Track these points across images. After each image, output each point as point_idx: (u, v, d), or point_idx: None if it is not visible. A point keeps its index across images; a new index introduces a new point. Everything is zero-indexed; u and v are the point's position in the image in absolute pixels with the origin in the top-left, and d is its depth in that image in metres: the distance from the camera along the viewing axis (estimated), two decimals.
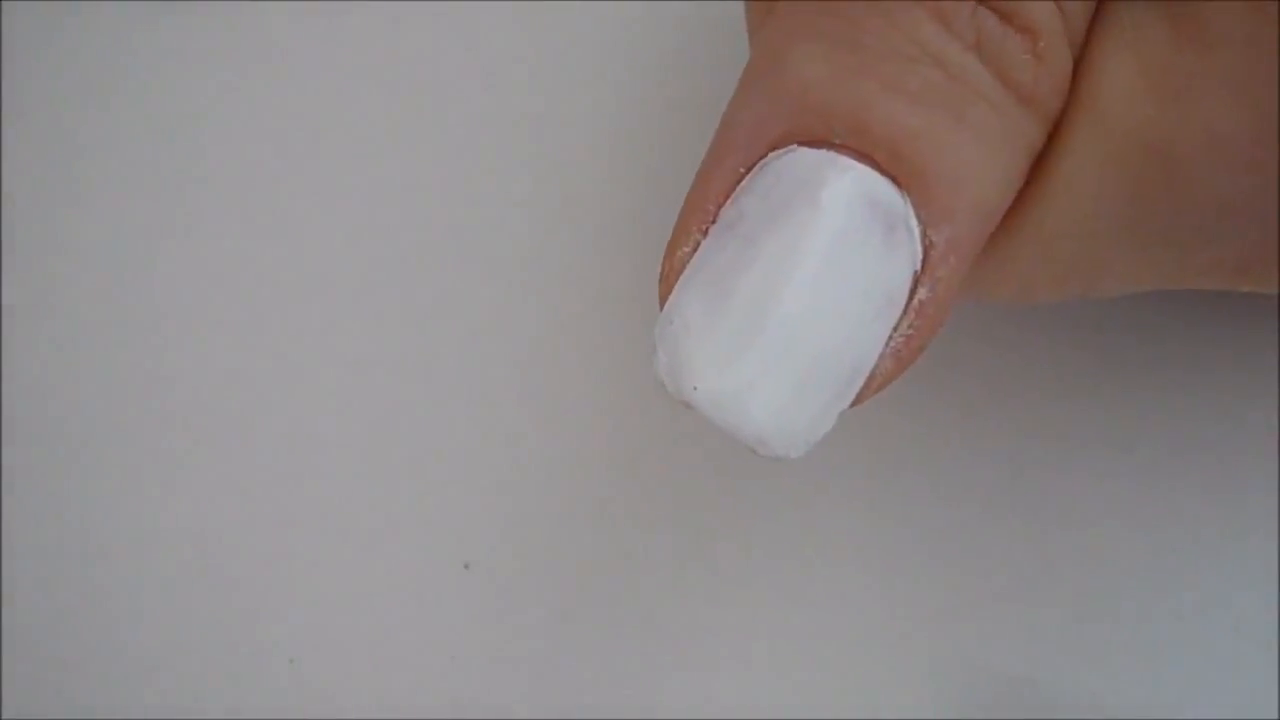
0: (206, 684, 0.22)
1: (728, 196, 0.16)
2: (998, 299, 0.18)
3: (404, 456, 0.22)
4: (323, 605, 0.22)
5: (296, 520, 0.22)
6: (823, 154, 0.16)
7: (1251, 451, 0.21)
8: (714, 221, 0.16)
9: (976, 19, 0.16)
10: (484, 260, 0.23)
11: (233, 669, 0.22)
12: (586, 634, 0.22)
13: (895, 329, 0.16)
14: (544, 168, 0.23)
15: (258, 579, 0.22)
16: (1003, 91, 0.16)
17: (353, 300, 0.23)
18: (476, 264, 0.23)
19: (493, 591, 0.22)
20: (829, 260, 0.15)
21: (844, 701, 0.21)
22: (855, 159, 0.15)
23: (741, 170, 0.16)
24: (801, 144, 0.16)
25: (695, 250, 0.16)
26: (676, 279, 0.16)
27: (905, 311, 0.16)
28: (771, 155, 0.16)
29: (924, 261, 0.16)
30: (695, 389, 0.16)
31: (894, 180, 0.16)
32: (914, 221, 0.16)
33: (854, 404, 0.16)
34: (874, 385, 0.16)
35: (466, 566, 0.22)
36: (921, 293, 0.16)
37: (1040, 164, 0.17)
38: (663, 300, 0.16)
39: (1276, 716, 0.21)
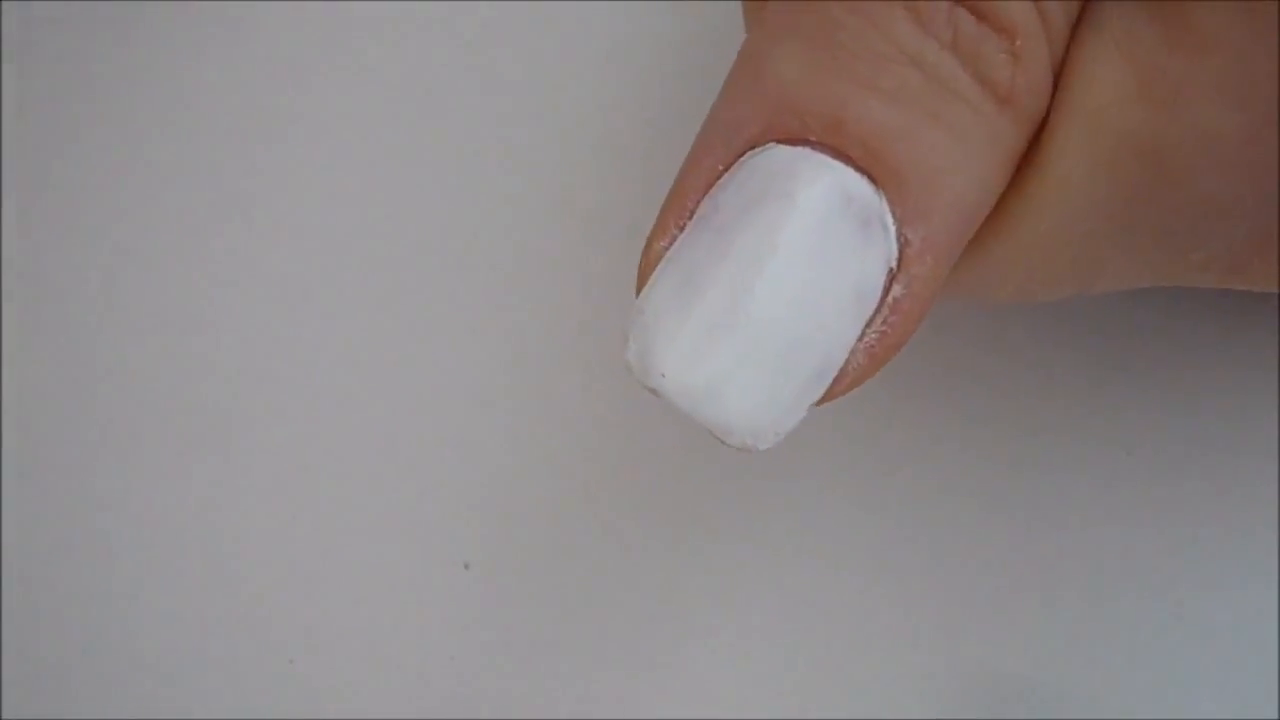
0: (207, 684, 0.22)
1: (706, 192, 0.16)
2: (994, 299, 0.18)
3: (403, 456, 0.22)
4: (323, 605, 0.22)
5: (296, 520, 0.22)
6: (799, 151, 0.16)
7: (1251, 451, 0.22)
8: (691, 217, 0.16)
9: (954, 18, 0.16)
10: (483, 261, 0.23)
11: (233, 669, 0.22)
12: (586, 633, 0.22)
13: (869, 325, 0.16)
14: (545, 168, 0.23)
15: (257, 580, 0.22)
16: (979, 91, 0.16)
17: (352, 300, 0.23)
18: (475, 265, 0.23)
19: (492, 591, 0.22)
20: (801, 255, 0.16)
21: (844, 701, 0.21)
22: (831, 157, 0.16)
23: (720, 167, 0.16)
24: (779, 142, 0.16)
25: (672, 244, 0.16)
26: (652, 271, 0.16)
27: (879, 308, 0.16)
28: (750, 153, 0.16)
29: (899, 259, 0.16)
30: (663, 376, 0.16)
31: (870, 178, 0.16)
32: (889, 219, 0.16)
33: (825, 399, 0.17)
34: (846, 381, 0.17)
35: (466, 566, 0.22)
36: (896, 290, 0.16)
37: (1032, 164, 0.17)
38: (639, 291, 0.17)
39: (1276, 717, 0.21)
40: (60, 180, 0.24)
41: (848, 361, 0.16)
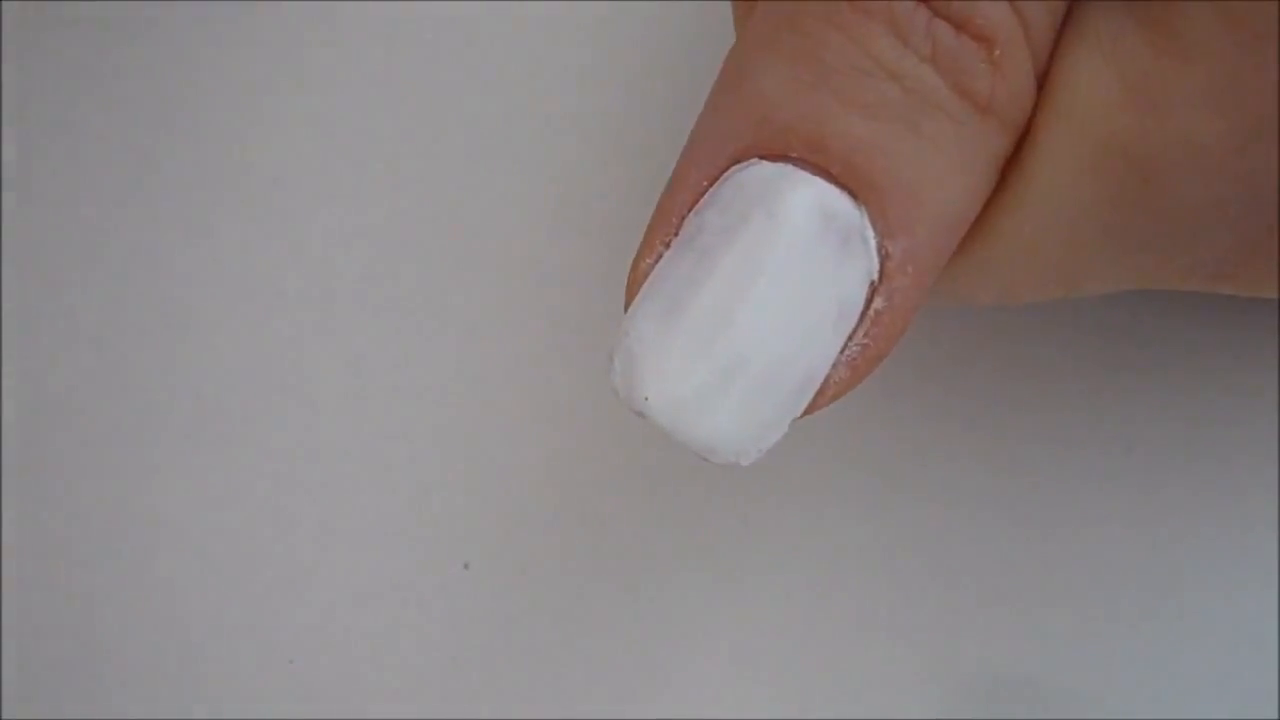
0: (207, 684, 0.22)
1: (691, 209, 0.16)
2: (981, 301, 0.18)
3: (403, 456, 0.22)
4: (322, 606, 0.22)
5: (295, 521, 0.22)
6: (780, 168, 0.16)
7: (1251, 451, 0.22)
8: (677, 234, 0.17)
9: (932, 30, 0.16)
10: (483, 262, 0.23)
11: (233, 669, 0.22)
12: (587, 634, 0.22)
13: (850, 339, 0.16)
14: (545, 169, 0.23)
15: (257, 580, 0.22)
16: (959, 101, 0.16)
17: (352, 300, 0.23)
18: (477, 266, 0.23)
19: (492, 591, 0.22)
20: (784, 276, 0.16)
21: (843, 701, 0.21)
22: (812, 172, 0.16)
23: (705, 184, 0.16)
24: (761, 157, 0.16)
25: (657, 261, 0.17)
26: (638, 290, 0.17)
27: (860, 321, 0.16)
28: (733, 169, 0.16)
29: (881, 273, 0.16)
30: (646, 399, 0.16)
31: (850, 192, 0.16)
32: (870, 233, 0.16)
33: (806, 413, 0.17)
34: (827, 394, 0.17)
35: (466, 566, 0.22)
36: (878, 303, 0.16)
37: (1017, 169, 0.17)
38: (626, 307, 0.17)
39: (1276, 717, 0.21)
40: (60, 181, 0.24)
41: (829, 375, 0.17)
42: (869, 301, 0.16)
